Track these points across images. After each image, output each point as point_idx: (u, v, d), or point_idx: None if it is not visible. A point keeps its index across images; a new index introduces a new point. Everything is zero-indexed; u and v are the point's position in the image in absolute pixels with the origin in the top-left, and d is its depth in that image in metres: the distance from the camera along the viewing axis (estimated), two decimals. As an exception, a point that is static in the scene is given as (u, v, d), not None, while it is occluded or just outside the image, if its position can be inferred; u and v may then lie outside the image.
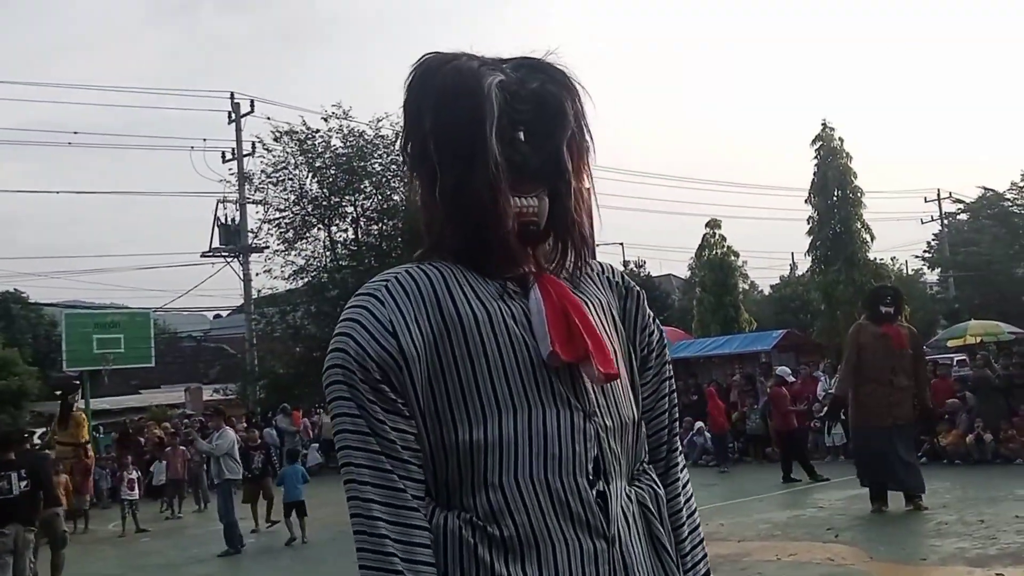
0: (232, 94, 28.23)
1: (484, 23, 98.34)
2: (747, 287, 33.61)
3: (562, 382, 1.29)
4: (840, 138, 25.10)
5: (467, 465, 1.27)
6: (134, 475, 14.28)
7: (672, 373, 1.55)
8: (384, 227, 26.69)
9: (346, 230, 26.43)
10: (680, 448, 1.57)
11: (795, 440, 13.08)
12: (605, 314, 1.42)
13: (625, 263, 41.33)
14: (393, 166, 26.48)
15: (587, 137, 1.39)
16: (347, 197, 25.48)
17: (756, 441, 15.54)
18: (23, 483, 8.04)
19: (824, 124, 25.08)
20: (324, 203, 24.80)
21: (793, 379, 15.08)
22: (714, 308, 27.56)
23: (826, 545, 7.69)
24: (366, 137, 26.71)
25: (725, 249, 28.66)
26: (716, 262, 28.23)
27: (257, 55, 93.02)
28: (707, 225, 29.39)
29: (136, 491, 13.97)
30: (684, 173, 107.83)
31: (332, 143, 25.17)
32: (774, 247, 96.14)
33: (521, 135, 1.31)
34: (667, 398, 1.52)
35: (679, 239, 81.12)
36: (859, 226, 25.02)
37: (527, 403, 1.27)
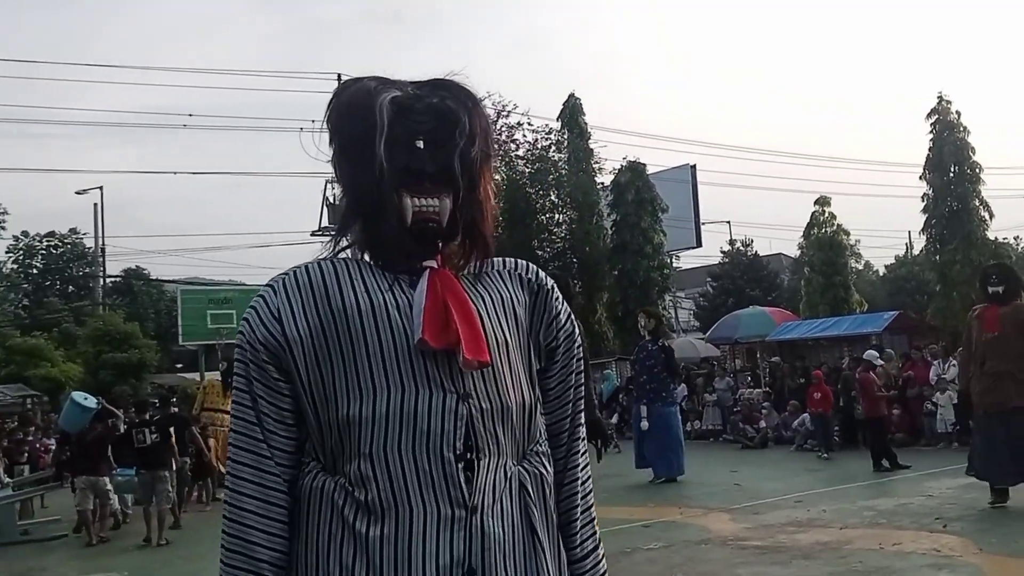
0: (339, 75, 28.79)
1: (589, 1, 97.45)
2: (860, 267, 32.61)
3: (438, 367, 1.45)
4: (957, 111, 24.00)
5: (346, 437, 1.45)
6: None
7: (581, 366, 1.69)
8: (486, 206, 26.79)
9: (449, 210, 26.67)
10: (582, 436, 1.70)
11: (879, 427, 12.64)
12: (504, 308, 1.57)
13: (732, 242, 40.64)
14: (495, 146, 26.59)
15: (486, 146, 1.55)
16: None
17: (862, 427, 15.04)
18: (154, 436, 10.60)
19: (940, 97, 24.04)
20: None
21: (881, 363, 14.51)
22: (823, 288, 26.78)
23: (933, 535, 7.39)
24: (469, 117, 26.75)
25: (835, 227, 27.80)
26: (825, 241, 27.40)
27: (365, 37, 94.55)
28: (816, 202, 28.56)
29: None
30: (793, 149, 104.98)
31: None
32: (890, 225, 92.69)
33: (420, 143, 1.49)
34: (572, 389, 1.67)
35: (789, 217, 79.02)
36: (977, 203, 23.95)
37: (401, 384, 1.44)
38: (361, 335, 1.45)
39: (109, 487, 10.77)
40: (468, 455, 1.45)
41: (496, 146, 1.66)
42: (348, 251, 1.59)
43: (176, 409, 15.58)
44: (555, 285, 1.66)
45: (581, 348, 1.68)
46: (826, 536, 7.63)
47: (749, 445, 16.52)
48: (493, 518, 1.45)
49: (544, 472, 1.57)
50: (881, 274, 42.54)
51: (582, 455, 1.68)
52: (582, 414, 1.70)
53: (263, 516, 1.49)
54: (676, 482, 11.97)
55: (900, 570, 6.29)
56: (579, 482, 1.66)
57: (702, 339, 25.33)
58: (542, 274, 1.65)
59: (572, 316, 1.67)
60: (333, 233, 1.62)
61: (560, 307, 1.64)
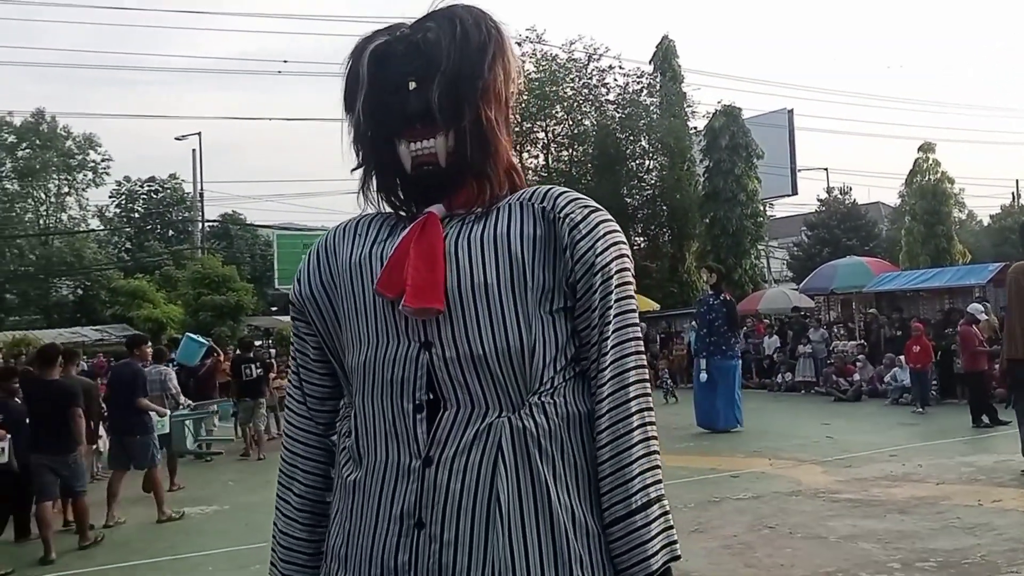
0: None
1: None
2: (963, 217, 31.39)
3: (400, 316, 1.42)
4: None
5: (350, 386, 1.54)
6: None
7: (610, 302, 1.44)
8: (575, 153, 26.61)
9: (536, 156, 26.53)
10: (611, 384, 1.44)
11: (979, 382, 12.19)
12: (497, 246, 1.43)
13: (829, 190, 39.49)
14: (584, 90, 26.20)
15: (485, 72, 1.45)
16: (538, 123, 25.51)
17: (962, 381, 14.57)
18: (258, 370, 13.26)
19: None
20: (516, 129, 24.95)
21: (985, 317, 13.92)
22: (924, 238, 25.92)
23: (1036, 494, 7.16)
24: (559, 61, 26.48)
25: (939, 175, 26.74)
26: (928, 189, 26.43)
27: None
28: (920, 149, 27.47)
29: None
30: (895, 93, 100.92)
31: (525, 67, 25.16)
32: (995, 173, 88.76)
33: (412, 84, 1.44)
34: (596, 329, 1.44)
35: (889, 164, 76.17)
36: (1096, 149, 22.67)
37: (376, 336, 1.46)
38: (351, 290, 1.50)
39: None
40: (428, 405, 1.41)
41: (513, 61, 1.49)
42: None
43: (273, 351, 16.30)
44: (578, 210, 1.44)
45: (609, 281, 1.44)
46: (922, 491, 7.45)
47: (842, 398, 16.19)
48: (451, 471, 1.37)
49: (528, 425, 1.39)
50: (985, 224, 40.83)
51: (605, 404, 1.43)
52: (609, 354, 1.45)
53: (294, 453, 1.64)
54: (748, 433, 11.95)
55: (1000, 527, 6.10)
56: (602, 435, 1.43)
57: (796, 289, 24.78)
58: (561, 200, 1.46)
59: (599, 243, 1.44)
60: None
61: (579, 235, 1.43)
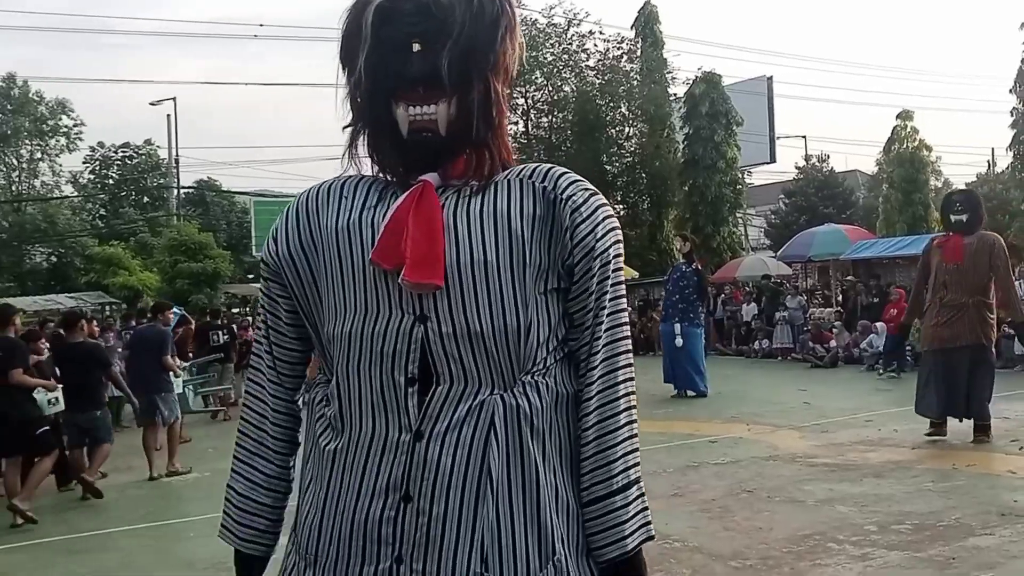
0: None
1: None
2: (940, 185, 31.59)
3: (399, 288, 1.39)
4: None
5: (329, 354, 1.49)
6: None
7: (606, 287, 1.47)
8: (554, 119, 26.51)
9: (516, 123, 26.37)
10: (601, 367, 1.47)
11: None
12: (497, 223, 1.41)
13: (807, 157, 39.58)
14: (565, 55, 26.03)
15: (494, 42, 1.42)
16: (517, 88, 25.33)
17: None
18: (225, 336, 14.40)
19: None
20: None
21: None
22: (902, 206, 26.04)
23: (1008, 457, 7.27)
24: (538, 26, 26.25)
25: (917, 143, 26.86)
26: (906, 157, 26.54)
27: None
28: (898, 116, 27.56)
29: None
30: (873, 60, 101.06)
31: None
32: (971, 142, 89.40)
33: (416, 46, 1.39)
34: (591, 311, 1.46)
35: (867, 132, 76.34)
36: (1072, 118, 22.84)
37: (365, 305, 1.41)
38: (336, 256, 1.44)
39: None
40: (420, 379, 1.39)
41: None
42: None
43: (251, 319, 16.61)
44: (579, 193, 1.45)
45: (607, 267, 1.46)
46: (897, 455, 7.54)
47: (819, 364, 16.35)
48: (442, 446, 1.37)
49: (522, 403, 1.40)
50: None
51: (595, 387, 1.46)
52: (602, 338, 1.47)
53: (262, 416, 1.60)
54: (725, 399, 12.19)
55: (974, 490, 6.20)
56: (588, 417, 1.46)
57: (773, 257, 24.92)
58: (562, 181, 1.45)
59: (599, 228, 1.45)
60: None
61: (580, 218, 1.43)
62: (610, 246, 1.46)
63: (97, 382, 8.37)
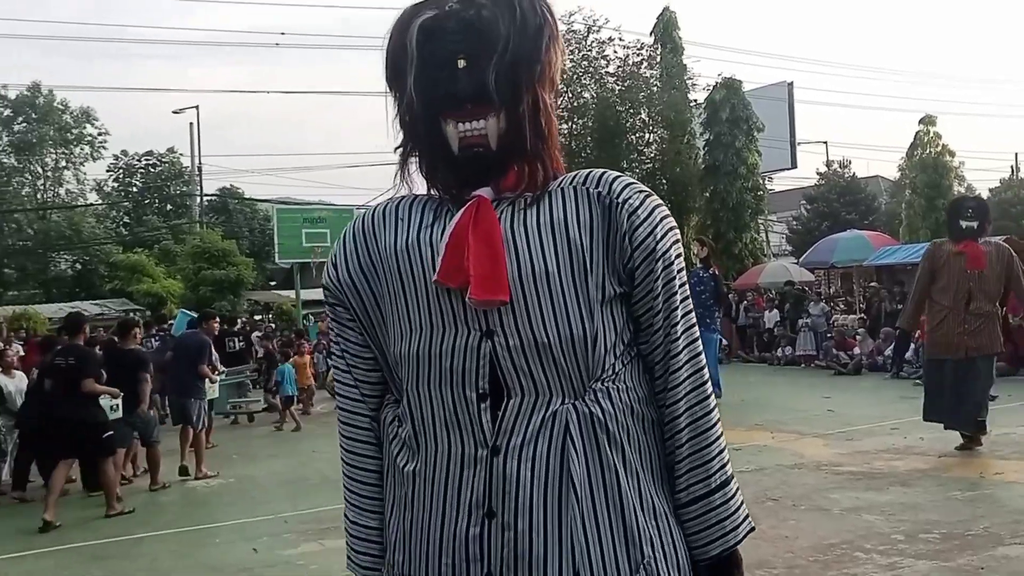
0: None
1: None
2: (963, 190, 31.31)
3: (464, 304, 1.39)
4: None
5: (397, 375, 1.50)
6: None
7: (673, 288, 1.47)
8: (574, 126, 26.47)
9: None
10: (681, 367, 1.48)
11: None
12: (555, 233, 1.42)
13: (829, 163, 39.36)
14: (584, 62, 26.01)
15: (539, 55, 1.41)
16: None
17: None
18: (240, 343, 15.47)
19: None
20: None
21: None
22: (925, 212, 25.88)
23: (1038, 466, 7.19)
24: (559, 33, 26.16)
25: (940, 148, 26.67)
26: (929, 162, 26.38)
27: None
28: (921, 121, 27.37)
29: None
30: (894, 65, 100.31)
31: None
32: (994, 147, 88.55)
33: (461, 62, 1.39)
34: (661, 315, 1.47)
35: (888, 137, 75.78)
36: (1099, 122, 22.60)
37: (431, 324, 1.42)
38: (398, 277, 1.45)
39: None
40: (492, 393, 1.39)
41: (566, 51, 1.46)
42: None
43: (273, 325, 16.89)
44: (635, 196, 1.45)
45: (671, 267, 1.46)
46: (924, 464, 7.47)
47: (842, 372, 16.21)
48: (520, 460, 1.37)
49: (595, 411, 1.40)
50: (985, 197, 40.80)
51: (683, 388, 1.48)
52: (680, 340, 1.48)
53: (356, 440, 1.60)
54: (749, 406, 12.05)
55: (1002, 499, 6.13)
56: (679, 418, 1.47)
57: (796, 263, 24.78)
58: (617, 185, 1.45)
59: (658, 230, 1.45)
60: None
61: (638, 221, 1.43)
62: (670, 246, 1.47)
63: (145, 386, 8.75)
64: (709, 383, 1.51)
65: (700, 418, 1.48)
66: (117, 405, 8.18)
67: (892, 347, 13.14)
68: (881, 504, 6.16)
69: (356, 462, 1.59)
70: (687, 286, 1.51)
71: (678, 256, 1.48)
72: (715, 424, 1.50)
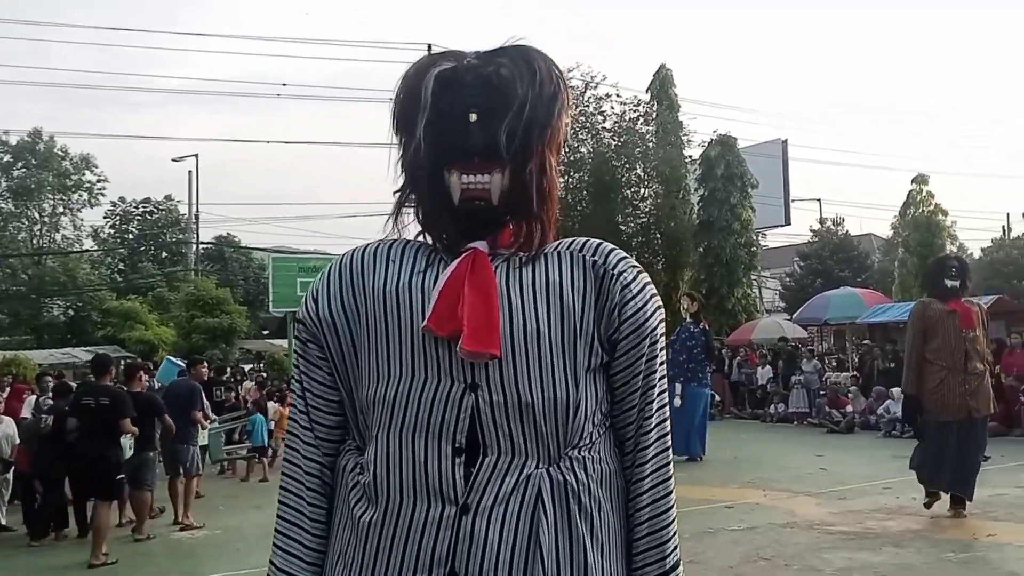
0: (429, 46, 28.86)
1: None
2: (955, 249, 31.48)
3: (450, 354, 1.37)
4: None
5: (366, 420, 1.46)
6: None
7: (653, 366, 1.49)
8: (570, 180, 26.66)
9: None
10: (650, 444, 1.51)
11: None
12: (549, 295, 1.42)
13: (822, 220, 39.65)
14: (582, 117, 26.29)
15: (550, 117, 1.43)
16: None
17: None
18: (230, 392, 15.41)
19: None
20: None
21: None
22: (917, 270, 25.91)
23: (1030, 528, 7.14)
24: (555, 89, 26.45)
25: (933, 207, 26.88)
26: (922, 221, 26.56)
27: (458, 7, 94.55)
28: (914, 181, 27.64)
29: None
30: (890, 125, 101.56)
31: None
32: (985, 206, 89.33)
33: (473, 116, 1.40)
34: (639, 392, 1.49)
35: (882, 196, 76.36)
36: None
37: (412, 370, 1.39)
38: (383, 319, 1.42)
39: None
40: (468, 449, 1.36)
41: (571, 116, 1.47)
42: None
43: (265, 374, 16.71)
44: (629, 270, 1.47)
45: (655, 345, 1.48)
46: (917, 524, 7.42)
47: (835, 430, 16.16)
48: (489, 521, 1.34)
49: (570, 479, 1.39)
50: (976, 257, 41.02)
51: (651, 464, 1.49)
52: (653, 419, 1.50)
53: (301, 485, 1.52)
54: (741, 463, 11.96)
55: (995, 561, 6.09)
56: (642, 496, 1.48)
57: (788, 319, 24.81)
58: (612, 257, 1.47)
59: (648, 307, 1.47)
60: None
61: (630, 295, 1.45)
62: (657, 325, 1.49)
63: (152, 428, 8.79)
64: (671, 467, 1.53)
65: (661, 498, 1.50)
66: (131, 446, 8.41)
67: (901, 414, 12.93)
68: (874, 565, 6.11)
69: (298, 506, 1.52)
70: (665, 366, 1.53)
71: (661, 335, 1.50)
72: (673, 505, 1.51)
